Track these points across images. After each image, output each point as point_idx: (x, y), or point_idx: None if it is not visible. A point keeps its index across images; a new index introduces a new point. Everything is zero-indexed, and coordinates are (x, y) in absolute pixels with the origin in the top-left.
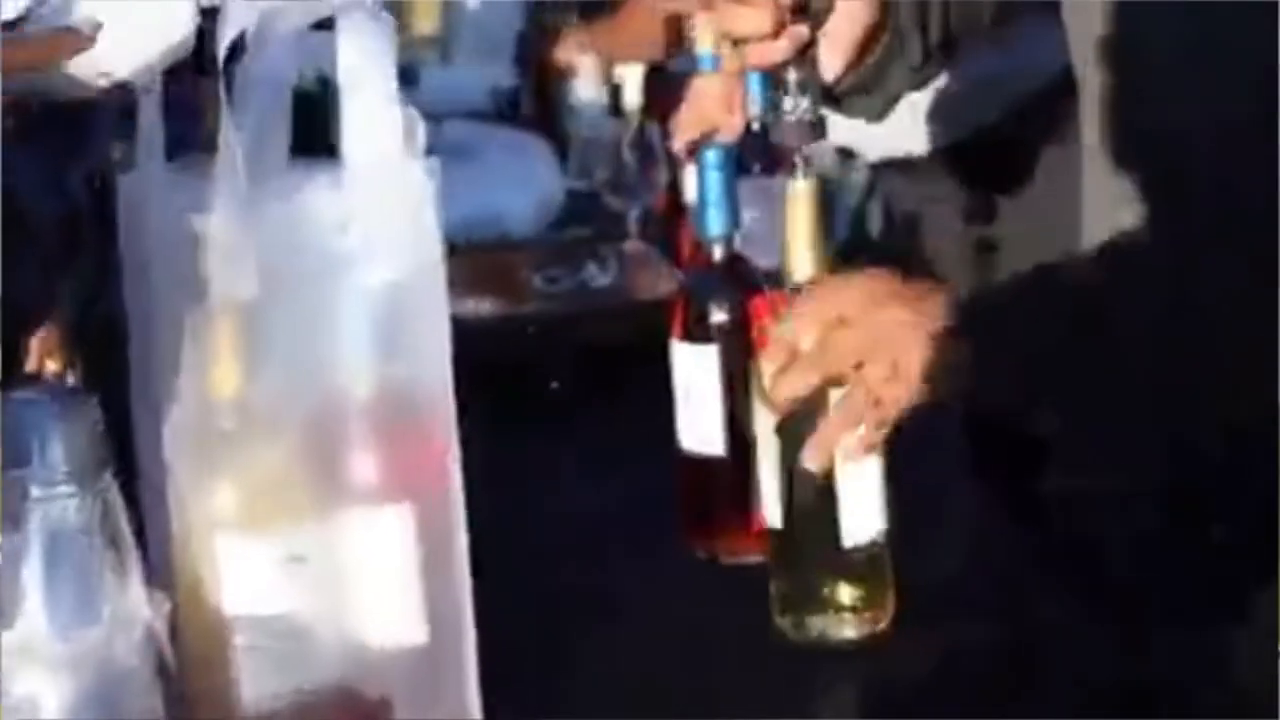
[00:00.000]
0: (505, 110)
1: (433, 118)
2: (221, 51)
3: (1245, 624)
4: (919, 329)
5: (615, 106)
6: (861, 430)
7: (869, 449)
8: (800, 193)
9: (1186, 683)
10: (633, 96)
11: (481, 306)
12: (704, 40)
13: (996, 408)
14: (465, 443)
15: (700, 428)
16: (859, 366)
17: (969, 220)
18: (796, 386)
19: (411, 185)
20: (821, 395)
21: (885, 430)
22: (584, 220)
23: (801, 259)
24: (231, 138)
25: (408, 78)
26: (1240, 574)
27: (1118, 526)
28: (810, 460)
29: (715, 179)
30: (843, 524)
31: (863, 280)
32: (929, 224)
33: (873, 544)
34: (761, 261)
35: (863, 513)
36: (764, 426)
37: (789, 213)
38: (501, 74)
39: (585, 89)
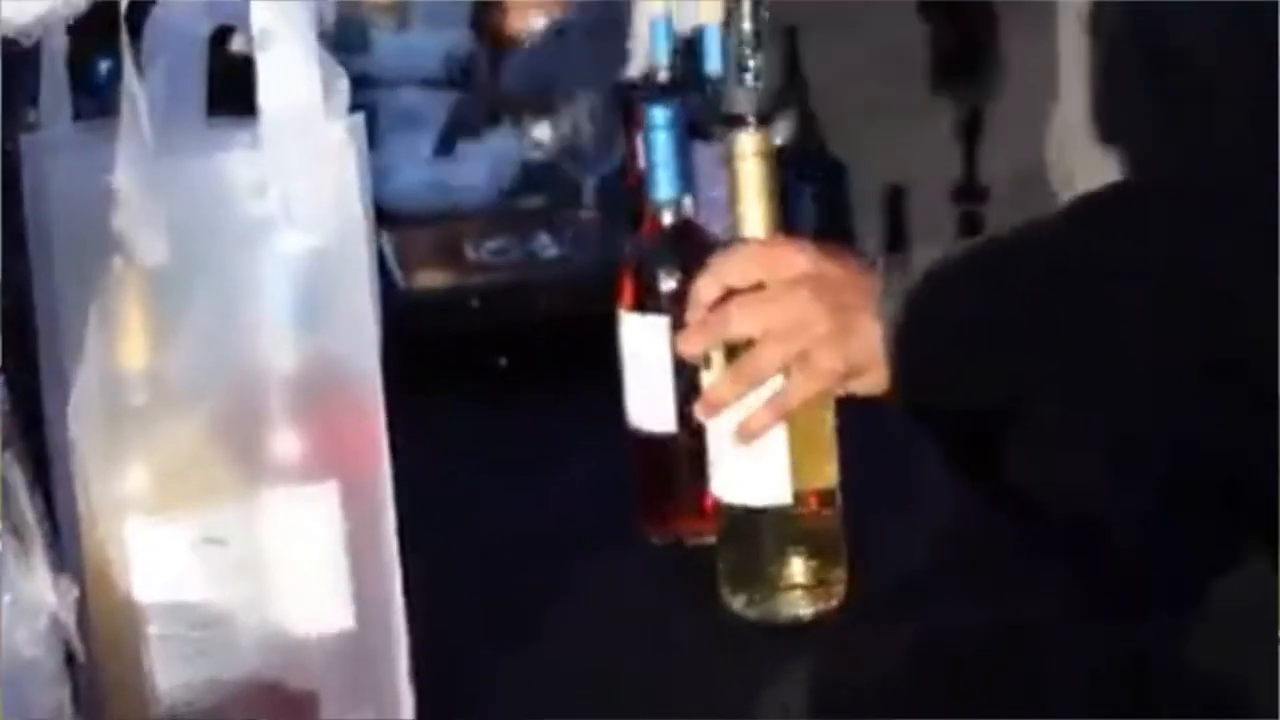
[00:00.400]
0: (458, 77)
1: (387, 85)
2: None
3: (1245, 617)
4: (835, 315)
5: None
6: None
7: (763, 426)
8: (747, 146)
9: (1185, 676)
10: None
11: (426, 278)
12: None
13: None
14: (407, 420)
15: (650, 403)
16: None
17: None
18: (692, 345)
19: (332, 145)
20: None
21: (781, 410)
22: (538, 189)
23: (751, 216)
24: (136, 93)
25: (361, 43)
26: (1240, 567)
27: (1115, 515)
28: (698, 411)
29: (663, 139)
30: (712, 475)
31: (788, 249)
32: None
33: (770, 510)
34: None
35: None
36: None
37: (737, 168)
38: (457, 40)
39: None
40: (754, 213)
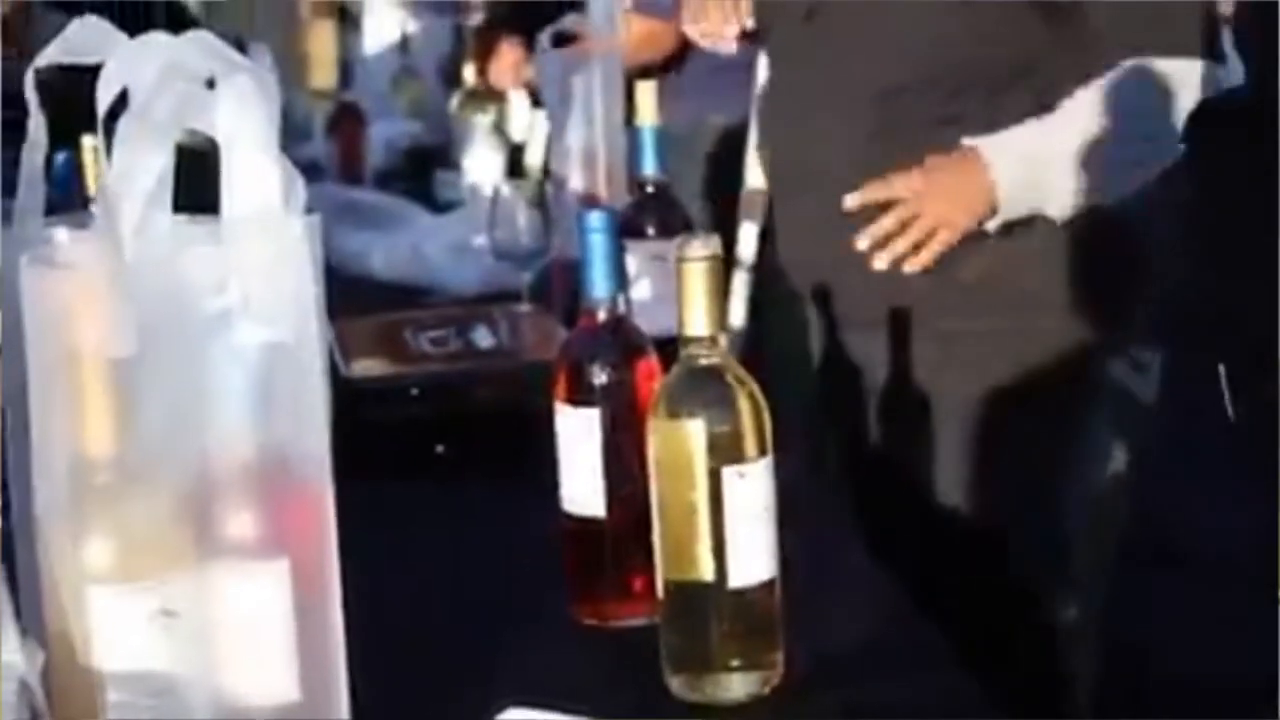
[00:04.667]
0: None
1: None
2: (102, 107)
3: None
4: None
5: (512, 167)
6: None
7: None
8: (695, 250)
9: (1186, 679)
10: (534, 156)
11: (367, 367)
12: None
13: None
14: (349, 503)
15: (581, 490)
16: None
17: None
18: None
19: (290, 243)
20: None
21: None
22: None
23: (697, 316)
24: (112, 193)
25: (303, 133)
26: (1240, 573)
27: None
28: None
29: (598, 241)
30: (729, 564)
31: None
32: None
33: (760, 590)
34: (654, 326)
35: (750, 554)
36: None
37: (684, 270)
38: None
39: (481, 148)
40: (700, 313)
